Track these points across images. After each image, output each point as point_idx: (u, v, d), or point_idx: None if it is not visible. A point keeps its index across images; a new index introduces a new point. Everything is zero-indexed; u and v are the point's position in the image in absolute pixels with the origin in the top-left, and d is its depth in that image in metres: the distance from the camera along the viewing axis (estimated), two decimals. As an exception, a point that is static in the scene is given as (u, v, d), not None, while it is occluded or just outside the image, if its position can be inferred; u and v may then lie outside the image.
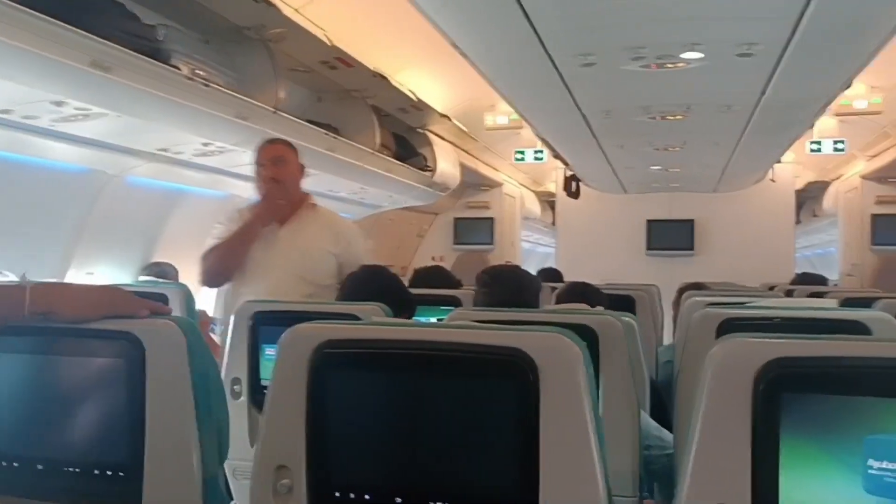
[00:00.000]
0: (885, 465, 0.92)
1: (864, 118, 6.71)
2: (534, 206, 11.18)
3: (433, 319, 2.72)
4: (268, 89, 3.74)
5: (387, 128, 5.34)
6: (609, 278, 6.44)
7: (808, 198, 11.49)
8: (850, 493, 0.93)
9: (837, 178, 9.49)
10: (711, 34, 2.37)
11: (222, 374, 1.99)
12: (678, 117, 3.54)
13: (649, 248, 8.50)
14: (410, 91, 4.97)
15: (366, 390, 1.09)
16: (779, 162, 6.01)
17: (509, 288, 2.16)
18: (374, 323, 1.26)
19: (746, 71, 2.73)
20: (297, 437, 1.08)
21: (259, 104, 3.56)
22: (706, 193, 7.55)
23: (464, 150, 7.22)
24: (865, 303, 2.81)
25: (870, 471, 0.92)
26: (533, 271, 5.47)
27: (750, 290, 4.90)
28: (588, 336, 1.84)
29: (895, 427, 0.92)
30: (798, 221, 13.13)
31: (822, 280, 5.58)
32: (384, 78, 4.56)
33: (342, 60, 4.13)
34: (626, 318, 2.28)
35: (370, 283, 2.20)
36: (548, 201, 11.13)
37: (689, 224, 8.42)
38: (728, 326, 1.84)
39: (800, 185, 10.58)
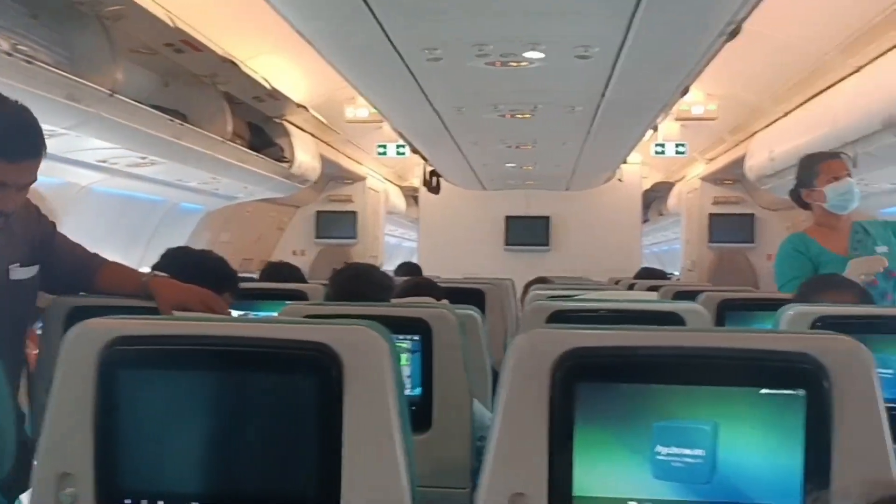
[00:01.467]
0: (672, 450, 0.96)
1: (702, 123, 7.18)
2: (399, 201, 11.20)
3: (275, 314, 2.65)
4: (104, 71, 3.50)
5: (240, 116, 5.15)
6: (469, 272, 6.56)
7: (656, 197, 12.19)
8: (640, 479, 0.97)
9: (681, 179, 10.12)
10: (550, 34, 2.43)
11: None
12: (526, 116, 3.63)
13: (508, 243, 8.72)
14: (264, 79, 4.82)
15: (160, 389, 1.02)
16: (625, 162, 6.32)
17: (352, 283, 2.14)
18: (173, 318, 1.19)
19: (586, 72, 2.83)
20: (83, 442, 1.00)
21: (93, 86, 3.32)
22: (560, 191, 7.83)
23: (324, 141, 7.10)
24: (692, 295, 3.01)
25: (658, 456, 0.97)
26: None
27: (595, 285, 5.12)
28: (422, 329, 1.85)
29: (682, 413, 0.97)
30: (646, 220, 13.91)
31: (662, 274, 5.92)
32: (235, 64, 4.39)
33: (189, 43, 3.94)
34: (468, 312, 2.32)
35: (182, 261, 2.03)
36: (413, 196, 11.17)
37: (544, 221, 8.71)
38: (556, 318, 1.91)
39: (647, 185, 11.20)
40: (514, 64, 2.72)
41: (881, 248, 2.72)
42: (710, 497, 0.96)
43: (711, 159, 8.53)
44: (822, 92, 5.12)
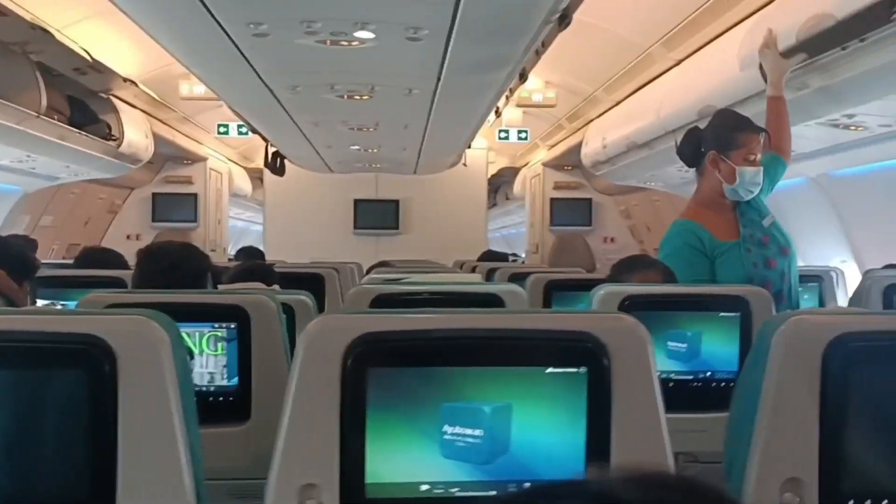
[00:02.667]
0: (457, 430, 0.97)
1: (543, 110, 7.44)
2: (245, 183, 10.82)
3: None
4: None
5: (58, 89, 4.74)
6: (317, 257, 6.45)
7: (504, 182, 12.54)
8: (430, 460, 0.97)
9: (525, 165, 10.46)
10: (379, 14, 2.40)
11: None
12: (364, 97, 3.58)
13: (357, 226, 8.66)
14: (84, 49, 4.46)
15: None
16: (470, 147, 6.42)
17: (161, 266, 1.99)
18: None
19: (419, 55, 2.82)
20: None
21: None
22: (409, 175, 7.86)
23: (159, 119, 6.71)
24: (524, 277, 3.11)
25: (445, 436, 0.97)
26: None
27: (439, 267, 5.20)
28: (239, 316, 1.78)
29: (472, 395, 0.97)
30: (495, 204, 14.29)
31: (504, 257, 6.12)
32: (48, 32, 4.03)
33: (-8, 7, 3.57)
34: (299, 297, 2.25)
35: None
36: (260, 178, 10.83)
37: (394, 204, 8.72)
38: (378, 302, 1.89)
39: (494, 170, 11.49)
40: (346, 43, 2.66)
41: (767, 220, 2.43)
42: (499, 475, 0.97)
43: (552, 146, 8.86)
44: (648, 83, 5.43)
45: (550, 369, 0.97)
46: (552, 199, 9.17)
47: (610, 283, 2.11)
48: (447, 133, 4.77)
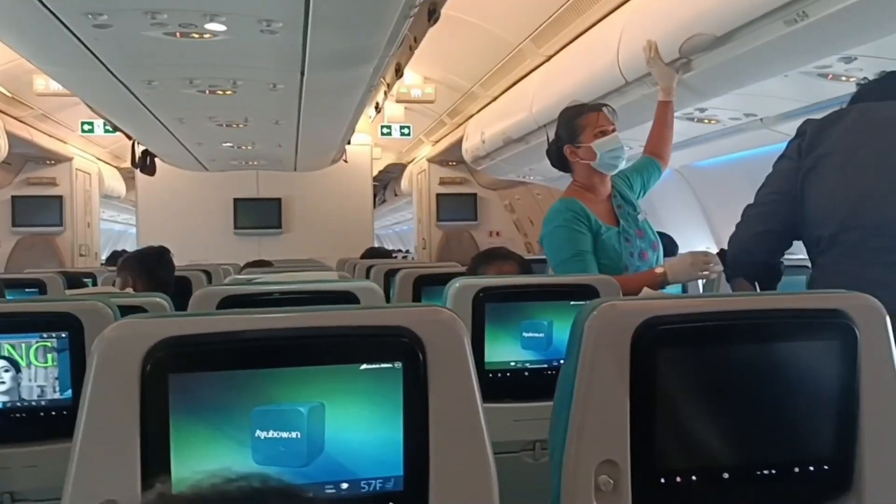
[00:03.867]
0: (270, 434, 0.93)
1: (425, 106, 7.46)
2: (117, 184, 10.31)
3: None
4: None
5: None
6: (197, 259, 6.21)
7: (392, 178, 12.52)
8: (242, 466, 0.93)
9: (412, 161, 10.47)
10: (228, 5, 2.31)
11: None
12: (228, 92, 3.46)
13: (237, 227, 8.42)
14: (-83, 42, 4.10)
15: None
16: (350, 143, 6.35)
17: None
18: None
19: (276, 49, 2.75)
20: None
21: None
22: (290, 172, 7.69)
23: (13, 117, 6.27)
24: (396, 273, 3.10)
25: (257, 442, 0.93)
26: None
27: (318, 266, 5.11)
28: (71, 325, 1.66)
29: (279, 396, 0.94)
30: (384, 200, 14.25)
31: (386, 254, 6.09)
32: None
33: None
34: (155, 300, 2.14)
35: None
36: (133, 178, 10.35)
37: (276, 202, 8.53)
38: (226, 304, 1.82)
39: (381, 166, 11.46)
40: (197, 36, 2.55)
41: (641, 216, 2.52)
42: (316, 477, 0.94)
43: (436, 142, 8.91)
44: (521, 79, 5.54)
45: (365, 366, 0.95)
46: (438, 195, 9.22)
47: (467, 276, 2.13)
48: (321, 129, 4.68)
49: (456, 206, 9.26)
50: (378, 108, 6.59)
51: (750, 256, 2.00)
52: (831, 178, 1.72)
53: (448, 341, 0.96)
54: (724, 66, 2.95)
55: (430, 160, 9.24)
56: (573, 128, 2.48)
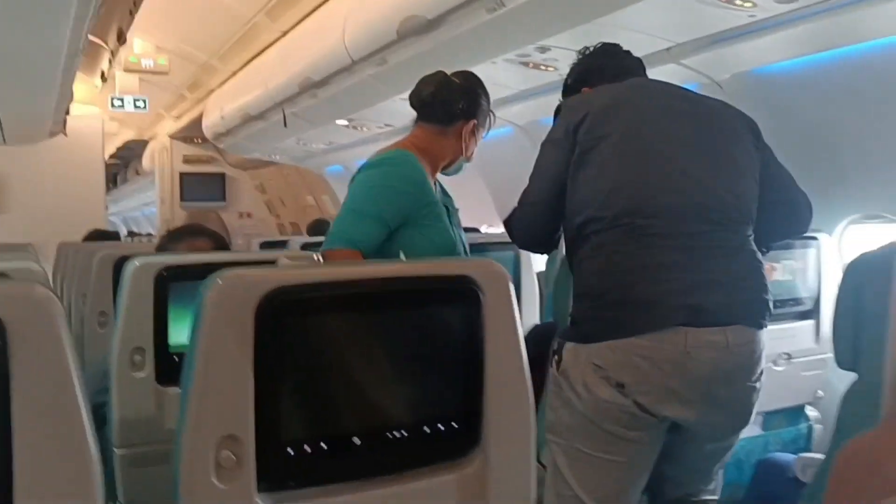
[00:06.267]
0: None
1: (162, 78, 6.96)
2: None
3: None
4: None
5: None
6: None
7: (133, 156, 11.62)
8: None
9: (153, 138, 9.78)
10: None
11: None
12: None
13: (-60, 207, 7.32)
14: None
15: None
16: (69, 114, 5.76)
17: None
18: None
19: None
20: None
21: None
22: (4, 147, 6.79)
23: None
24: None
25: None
26: None
27: (27, 253, 4.59)
28: None
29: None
30: (126, 180, 13.21)
31: (114, 236, 5.62)
32: None
33: None
34: None
35: None
36: None
37: (-16, 180, 7.53)
38: None
39: (120, 142, 10.59)
40: None
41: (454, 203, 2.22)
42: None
43: (178, 117, 8.39)
44: (259, 54, 5.37)
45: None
46: (182, 174, 8.72)
47: (159, 252, 2.00)
48: (23, 97, 4.18)
49: (202, 186, 8.82)
50: (104, 77, 6.05)
51: (535, 240, 1.90)
52: (613, 160, 1.65)
53: (41, 325, 0.86)
54: (437, 49, 3.06)
55: (173, 136, 8.70)
56: (485, 116, 2.14)
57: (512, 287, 1.16)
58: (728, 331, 1.57)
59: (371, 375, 1.06)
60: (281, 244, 3.80)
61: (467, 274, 1.12)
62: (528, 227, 1.85)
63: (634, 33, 2.53)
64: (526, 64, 3.09)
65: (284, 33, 4.84)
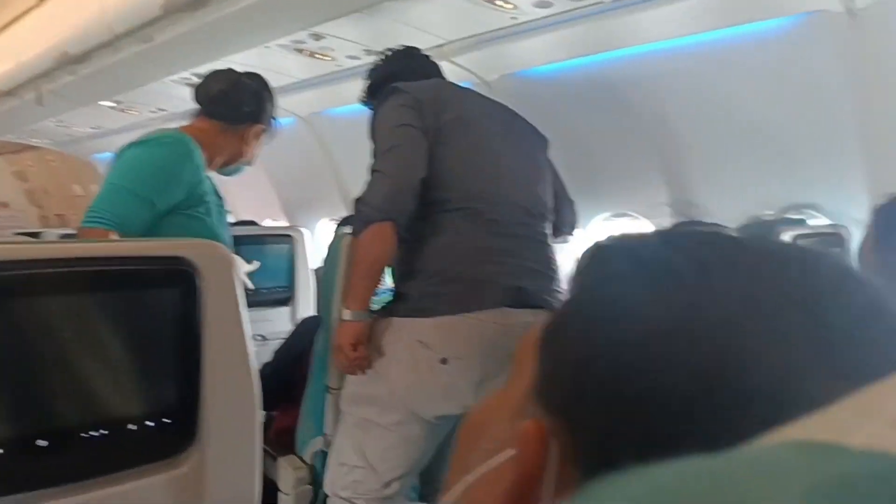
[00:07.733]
0: None
1: None
2: None
3: None
4: None
5: None
6: None
7: None
8: None
9: None
10: None
11: None
12: None
13: None
14: None
15: None
16: None
17: None
18: None
19: None
20: None
21: None
22: None
23: None
24: None
25: None
26: None
27: None
28: None
29: None
30: None
31: None
32: None
33: None
34: None
35: None
36: None
37: None
38: None
39: None
40: None
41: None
42: None
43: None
44: (11, 23, 4.79)
45: None
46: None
47: None
48: None
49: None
50: None
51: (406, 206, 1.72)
52: (454, 147, 1.70)
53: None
54: (205, 29, 2.88)
55: None
56: (270, 118, 2.05)
57: (235, 271, 1.08)
58: (539, 313, 1.65)
59: (65, 368, 0.93)
60: (34, 236, 3.46)
61: (181, 255, 1.03)
62: (397, 194, 1.65)
63: (406, 27, 2.54)
64: (301, 51, 3.00)
65: (40, 2, 4.36)
